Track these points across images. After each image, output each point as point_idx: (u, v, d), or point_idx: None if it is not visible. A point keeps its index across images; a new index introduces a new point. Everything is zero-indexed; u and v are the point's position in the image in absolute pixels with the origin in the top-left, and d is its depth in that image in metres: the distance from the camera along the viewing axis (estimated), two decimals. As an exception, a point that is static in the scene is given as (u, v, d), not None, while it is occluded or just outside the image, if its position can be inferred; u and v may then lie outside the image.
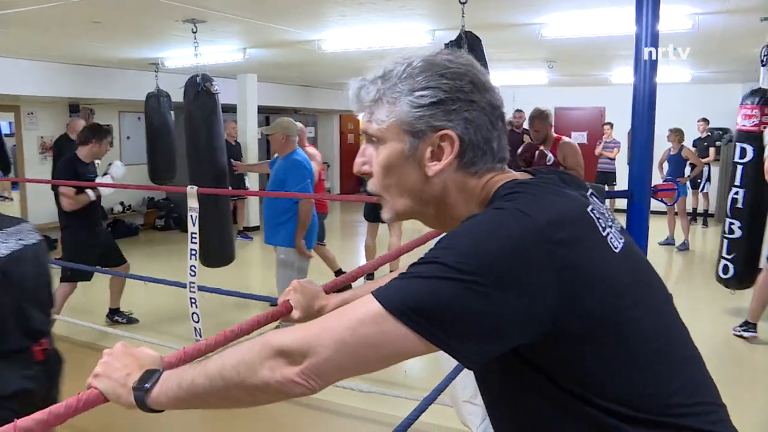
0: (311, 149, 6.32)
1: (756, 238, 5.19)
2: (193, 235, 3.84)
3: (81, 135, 5.38)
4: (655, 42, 2.79)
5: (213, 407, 1.08)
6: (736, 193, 5.20)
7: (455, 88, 1.06)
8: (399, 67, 1.10)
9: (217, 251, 5.54)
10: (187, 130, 5.70)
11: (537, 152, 5.63)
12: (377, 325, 0.93)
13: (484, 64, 4.25)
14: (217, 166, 5.65)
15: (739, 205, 5.17)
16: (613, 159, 11.15)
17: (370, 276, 6.26)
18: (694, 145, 10.61)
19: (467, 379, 2.57)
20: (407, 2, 5.16)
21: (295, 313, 1.48)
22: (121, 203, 11.06)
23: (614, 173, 11.00)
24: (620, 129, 11.94)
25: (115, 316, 5.68)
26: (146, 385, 1.05)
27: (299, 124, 6.47)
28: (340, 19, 5.80)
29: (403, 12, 5.53)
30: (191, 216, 3.79)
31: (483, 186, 1.10)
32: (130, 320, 5.70)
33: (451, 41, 4.42)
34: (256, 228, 10.89)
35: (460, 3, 4.48)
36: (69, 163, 5.24)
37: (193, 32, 5.77)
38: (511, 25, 6.02)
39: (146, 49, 7.64)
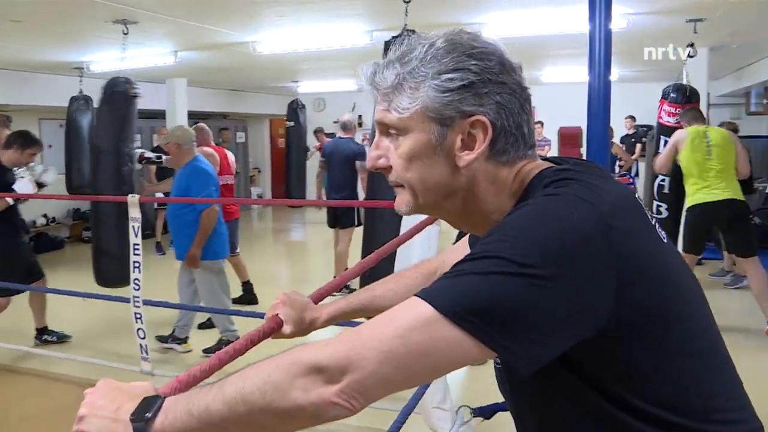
0: (208, 149, 6.08)
1: (678, 218, 5.90)
2: (136, 247, 3.65)
3: (7, 139, 5.12)
4: (608, 40, 2.78)
5: None
6: (662, 180, 5.97)
7: (485, 69, 0.97)
8: (419, 48, 0.99)
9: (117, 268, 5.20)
10: (97, 134, 5.47)
11: None
12: (429, 331, 0.82)
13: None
14: (124, 172, 5.43)
15: (666, 190, 5.96)
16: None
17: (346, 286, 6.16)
18: (621, 142, 10.92)
19: (437, 384, 2.50)
20: (346, 2, 5.09)
21: (287, 328, 1.34)
22: (45, 215, 10.55)
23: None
24: (550, 128, 12.19)
25: (43, 335, 5.31)
26: (147, 414, 0.88)
27: (202, 125, 6.33)
28: (278, 20, 5.67)
29: (341, 12, 5.45)
30: (133, 226, 3.61)
31: (515, 176, 1.01)
32: (62, 337, 5.37)
33: (392, 38, 4.34)
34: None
35: (404, 2, 4.43)
36: None
37: (123, 33, 5.52)
38: (452, 25, 5.95)
39: (71, 52, 7.30)
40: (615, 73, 10.38)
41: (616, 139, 9.89)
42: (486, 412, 2.87)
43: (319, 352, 0.86)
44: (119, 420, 0.90)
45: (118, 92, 5.33)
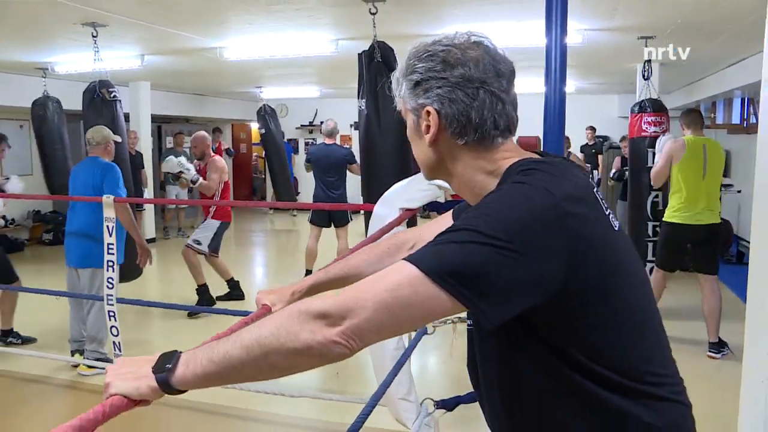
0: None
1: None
2: (110, 246, 3.73)
3: None
4: (564, 54, 2.94)
5: (245, 380, 1.10)
6: (656, 196, 6.00)
7: (429, 69, 1.19)
8: (404, 58, 1.25)
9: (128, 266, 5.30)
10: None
11: None
12: (414, 287, 1.00)
13: (394, 73, 4.39)
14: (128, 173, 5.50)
15: (660, 207, 5.86)
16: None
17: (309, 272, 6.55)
18: (581, 152, 11.24)
19: (402, 377, 2.65)
20: (313, 11, 5.22)
21: (277, 307, 1.52)
22: (3, 217, 10.41)
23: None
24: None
25: (9, 337, 5.29)
26: (167, 365, 1.05)
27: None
28: (246, 27, 5.78)
29: (308, 21, 5.59)
30: (108, 226, 3.69)
31: (494, 160, 1.21)
32: (26, 340, 5.36)
33: (363, 51, 4.51)
34: (153, 240, 10.60)
35: (371, 14, 4.59)
36: None
37: (93, 36, 5.57)
38: (417, 36, 6.15)
39: (36, 53, 7.28)
40: (572, 85, 10.70)
41: (575, 149, 10.18)
42: (449, 405, 3.02)
43: (324, 302, 1.02)
44: (141, 376, 1.05)
45: (103, 96, 5.38)
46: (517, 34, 5.85)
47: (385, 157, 4.38)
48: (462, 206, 1.48)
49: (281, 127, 12.10)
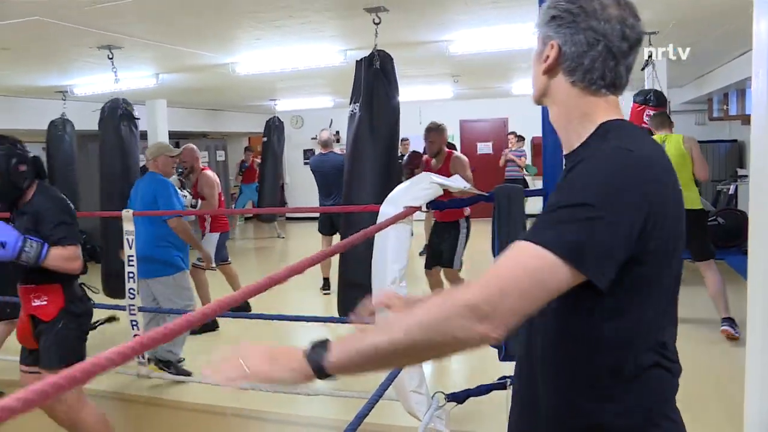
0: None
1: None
2: (130, 258, 3.88)
3: None
4: None
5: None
6: None
7: (566, 9, 1.33)
8: None
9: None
10: (105, 156, 5.69)
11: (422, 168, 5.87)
12: (548, 269, 1.11)
13: (394, 81, 4.51)
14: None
15: None
16: (522, 167, 11.68)
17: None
18: None
19: (413, 370, 2.75)
20: (318, 24, 5.36)
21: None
22: None
23: (524, 179, 11.47)
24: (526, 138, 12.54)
25: None
26: (320, 352, 1.17)
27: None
28: (255, 42, 5.93)
29: (315, 34, 5.72)
30: (128, 239, 3.84)
31: (589, 110, 1.34)
32: None
33: (363, 58, 4.61)
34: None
35: (374, 24, 4.71)
36: None
37: (109, 58, 5.76)
38: (421, 43, 6.32)
39: (55, 77, 7.51)
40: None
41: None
42: (459, 398, 3.14)
43: (471, 293, 1.10)
44: (293, 361, 1.19)
45: (121, 115, 5.55)
46: (519, 37, 5.95)
47: (374, 161, 4.46)
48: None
49: (298, 138, 12.27)
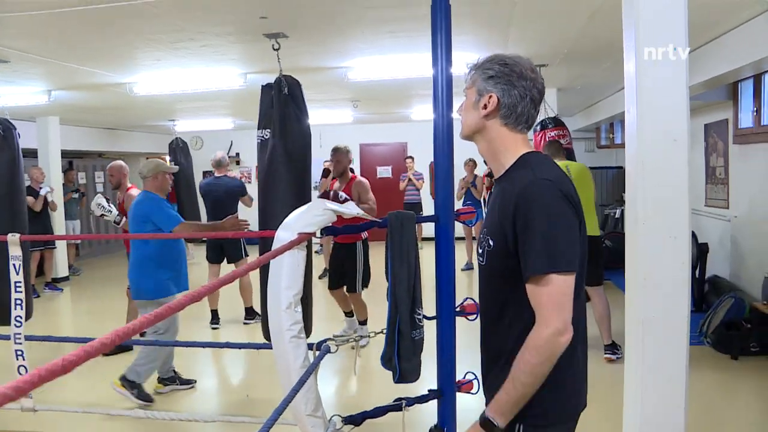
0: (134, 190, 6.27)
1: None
2: (17, 284, 3.73)
3: None
4: (449, 83, 3.16)
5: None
6: None
7: (500, 71, 1.80)
8: (481, 60, 1.87)
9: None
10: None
11: (331, 194, 5.95)
12: (566, 280, 1.67)
13: (303, 105, 4.56)
14: (19, 212, 5.44)
15: None
16: (419, 190, 11.94)
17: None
18: (489, 175, 11.69)
19: (309, 394, 2.78)
20: (219, 47, 5.36)
21: None
22: None
23: (420, 203, 11.77)
24: (422, 162, 12.82)
25: None
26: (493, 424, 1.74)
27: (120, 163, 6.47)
28: (154, 63, 5.86)
29: (216, 57, 5.72)
30: (14, 264, 3.69)
31: (513, 144, 1.83)
32: None
33: (269, 83, 4.64)
34: (66, 278, 10.37)
35: (274, 49, 4.76)
36: None
37: (-6, 73, 5.56)
38: (321, 69, 6.41)
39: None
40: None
41: (480, 170, 10.61)
42: (356, 420, 3.18)
43: (547, 326, 1.64)
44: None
45: (5, 133, 5.31)
46: (415, 66, 6.15)
47: (289, 184, 4.49)
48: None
49: (197, 160, 11.98)
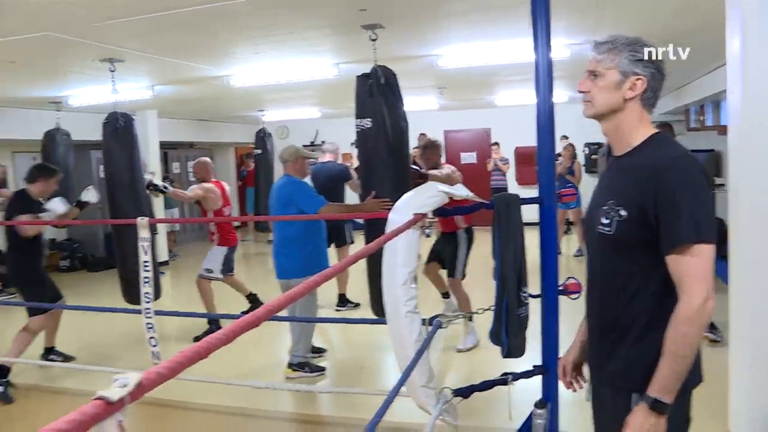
0: (209, 184, 6.63)
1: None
2: (146, 264, 4.04)
3: (29, 173, 5.50)
4: (549, 68, 3.24)
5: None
6: None
7: (650, 55, 1.90)
8: (620, 39, 1.93)
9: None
10: (110, 165, 5.86)
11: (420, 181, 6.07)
12: (709, 250, 1.76)
13: (399, 94, 4.73)
14: (141, 198, 5.86)
15: None
16: (505, 174, 12.01)
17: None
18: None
19: (423, 366, 2.94)
20: (316, 39, 5.57)
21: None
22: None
23: (507, 188, 11.80)
24: (506, 147, 12.82)
25: (50, 354, 5.67)
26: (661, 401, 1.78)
27: (205, 159, 6.82)
28: (253, 56, 6.12)
29: (311, 48, 5.93)
30: (143, 246, 4.01)
31: (643, 124, 1.93)
32: (67, 358, 5.72)
33: (365, 74, 4.82)
34: (165, 263, 10.91)
35: (371, 40, 4.93)
36: (19, 197, 5.38)
37: (111, 71, 5.93)
38: (412, 57, 6.55)
39: (52, 88, 7.64)
40: (564, 95, 11.05)
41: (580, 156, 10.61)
42: (464, 392, 3.32)
43: (695, 296, 1.73)
44: (647, 420, 1.79)
45: (122, 126, 5.71)
46: (506, 51, 6.21)
47: (388, 171, 4.69)
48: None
49: (281, 148, 12.40)
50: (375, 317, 4.52)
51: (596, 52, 1.96)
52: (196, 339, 6.20)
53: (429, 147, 6.08)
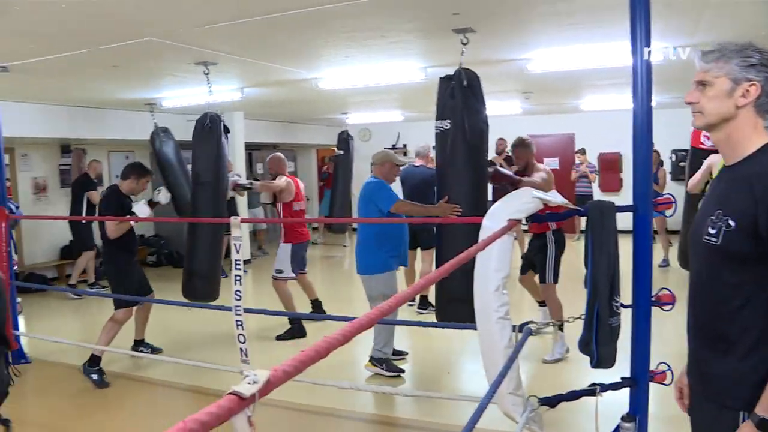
0: (285, 178, 6.77)
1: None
2: (237, 262, 4.16)
3: (124, 170, 5.73)
4: (648, 71, 3.17)
5: None
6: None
7: (760, 61, 1.82)
8: (729, 47, 1.87)
9: (204, 286, 5.79)
10: (196, 164, 6.07)
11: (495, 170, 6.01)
12: None
13: (481, 97, 4.70)
14: (222, 198, 6.08)
15: None
16: (591, 182, 11.78)
17: (413, 301, 7.17)
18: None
19: (512, 373, 2.92)
20: (406, 43, 5.59)
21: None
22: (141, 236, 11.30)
23: (592, 196, 11.54)
24: (589, 153, 12.56)
25: (140, 347, 5.92)
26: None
27: (279, 154, 6.96)
28: (343, 59, 6.21)
29: (400, 52, 5.96)
30: (235, 244, 4.13)
31: (757, 132, 1.86)
32: (154, 350, 5.96)
33: (448, 75, 4.81)
34: (248, 261, 11.16)
35: (462, 44, 4.92)
36: (111, 193, 5.60)
37: (205, 74, 6.13)
38: (500, 61, 6.50)
39: (148, 90, 7.95)
40: (653, 100, 10.72)
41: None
42: (552, 402, 3.28)
43: None
44: None
45: (213, 126, 5.91)
46: (597, 55, 6.10)
47: (467, 173, 4.68)
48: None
49: (365, 151, 12.56)
50: (459, 323, 4.49)
51: (703, 62, 1.90)
52: (279, 338, 6.35)
53: (519, 145, 6.00)
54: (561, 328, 5.29)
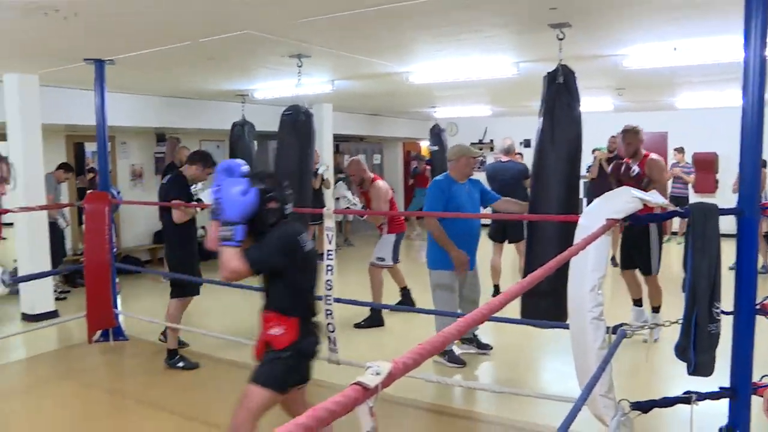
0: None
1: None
2: (329, 252, 4.24)
3: (189, 156, 5.78)
4: (762, 66, 3.03)
5: None
6: None
7: None
8: None
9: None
10: (281, 155, 6.19)
11: (623, 166, 5.94)
12: None
13: (576, 94, 4.62)
14: (306, 189, 6.19)
15: None
16: (687, 184, 11.40)
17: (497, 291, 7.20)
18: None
19: (604, 375, 2.86)
20: (499, 38, 5.53)
21: None
22: (203, 227, 11.57)
23: (687, 198, 11.16)
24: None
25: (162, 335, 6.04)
26: None
27: (358, 158, 7.03)
28: (435, 53, 6.20)
29: (492, 46, 5.90)
30: (328, 235, 4.21)
31: None
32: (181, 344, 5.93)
33: (549, 72, 4.75)
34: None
35: (558, 39, 4.84)
36: (175, 179, 5.60)
37: (298, 66, 6.25)
38: (595, 57, 6.36)
39: (241, 81, 8.16)
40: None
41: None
42: (644, 407, 3.20)
43: None
44: None
45: (301, 119, 6.02)
46: (696, 51, 5.90)
47: (559, 171, 4.61)
48: None
49: (453, 144, 12.56)
50: (541, 319, 4.45)
51: None
52: (357, 326, 6.43)
53: (629, 131, 5.94)
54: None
